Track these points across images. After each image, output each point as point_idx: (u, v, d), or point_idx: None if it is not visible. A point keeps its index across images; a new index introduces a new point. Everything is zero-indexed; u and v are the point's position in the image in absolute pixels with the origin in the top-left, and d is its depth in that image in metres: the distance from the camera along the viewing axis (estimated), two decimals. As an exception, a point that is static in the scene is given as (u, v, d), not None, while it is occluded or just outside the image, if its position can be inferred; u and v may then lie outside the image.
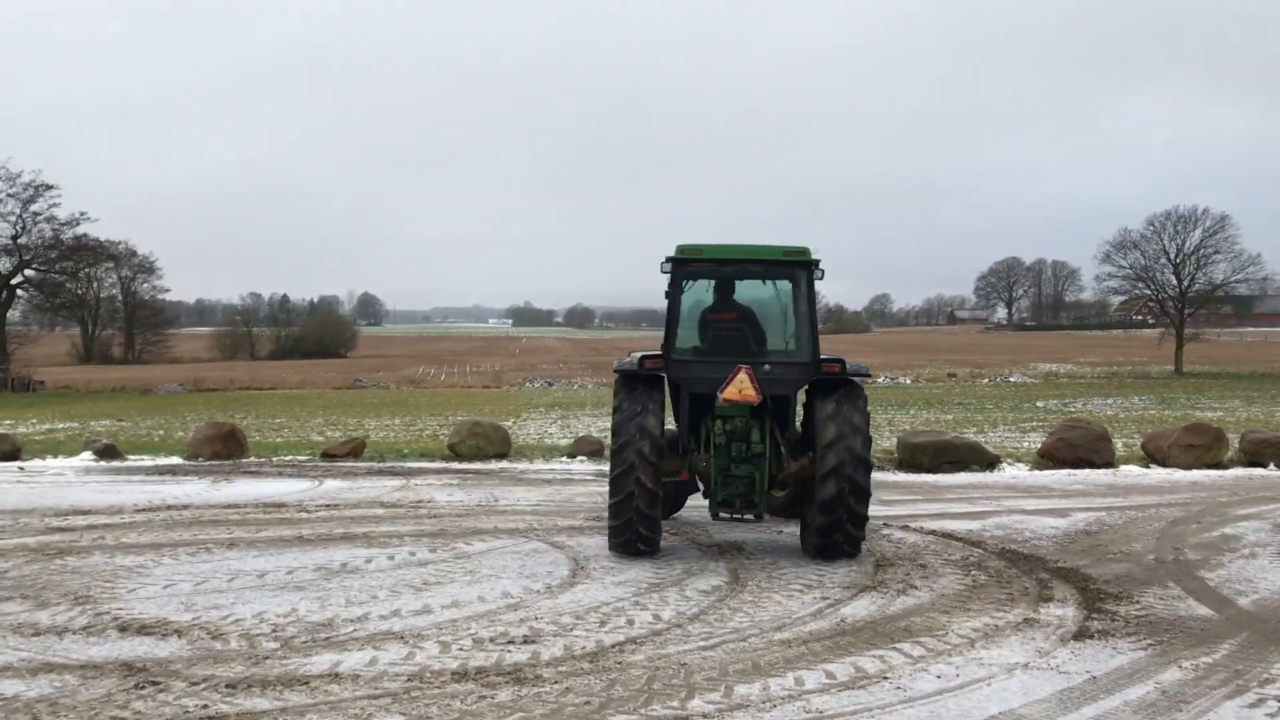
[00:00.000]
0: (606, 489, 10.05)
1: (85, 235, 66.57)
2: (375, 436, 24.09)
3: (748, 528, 11.40)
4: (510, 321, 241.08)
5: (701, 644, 7.13)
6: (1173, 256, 68.40)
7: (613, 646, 7.05)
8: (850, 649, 7.03)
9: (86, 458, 19.15)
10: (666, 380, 10.16)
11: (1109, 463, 17.61)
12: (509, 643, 7.13)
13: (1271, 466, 17.30)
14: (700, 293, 10.67)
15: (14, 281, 63.43)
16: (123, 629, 7.45)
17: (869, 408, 9.80)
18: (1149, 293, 72.18)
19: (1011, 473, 17.04)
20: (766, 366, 9.84)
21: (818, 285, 10.08)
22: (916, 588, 8.79)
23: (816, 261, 9.95)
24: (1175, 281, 68.72)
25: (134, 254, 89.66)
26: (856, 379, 9.86)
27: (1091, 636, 7.37)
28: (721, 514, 10.13)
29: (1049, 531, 11.50)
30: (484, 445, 19.16)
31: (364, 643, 7.13)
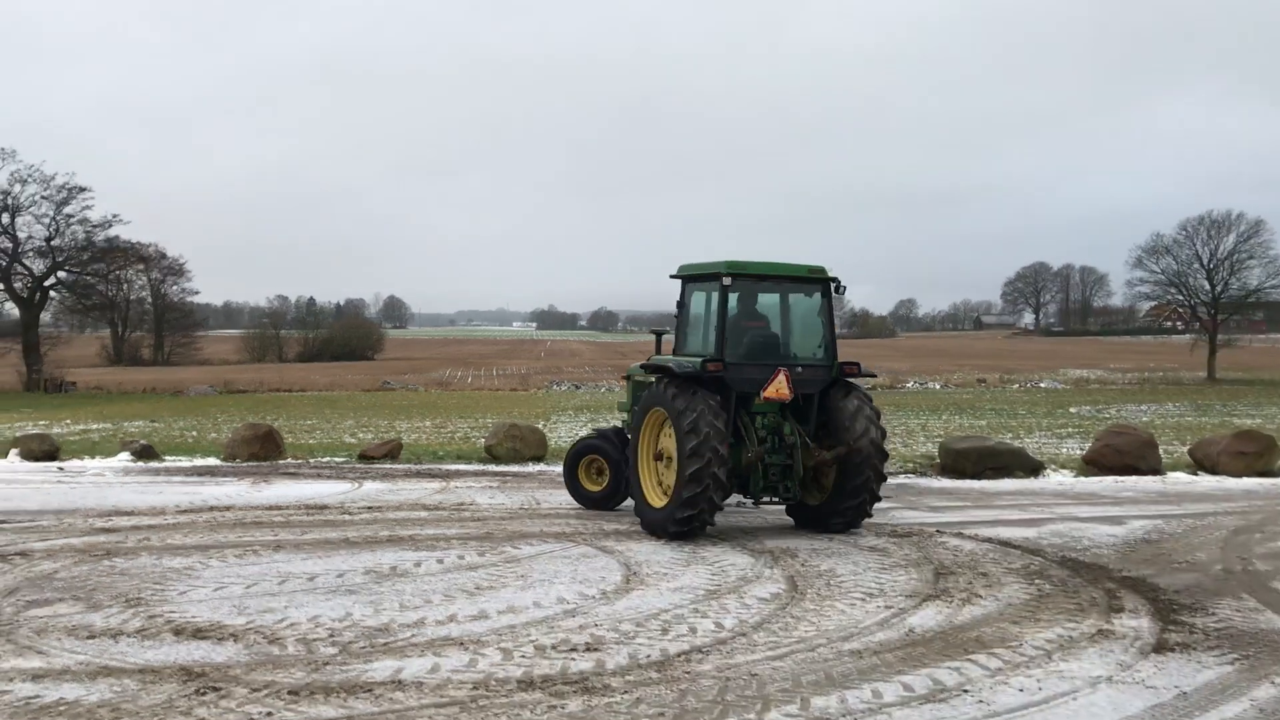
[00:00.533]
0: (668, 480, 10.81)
1: (117, 237, 66.78)
2: (408, 439, 23.97)
3: (798, 534, 11.40)
4: (535, 325, 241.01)
5: (769, 654, 6.94)
6: (1206, 261, 67.53)
7: (678, 655, 6.88)
8: (924, 660, 6.82)
9: (124, 458, 19.17)
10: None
11: (1156, 469, 17.30)
12: (571, 650, 6.97)
13: (1326, 475, 16.90)
14: (733, 302, 11.39)
15: (47, 283, 63.85)
16: (177, 632, 7.34)
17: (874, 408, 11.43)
18: (1181, 298, 71.27)
19: (1057, 479, 16.75)
20: (799, 369, 11.15)
21: (842, 296, 11.88)
22: (981, 597, 8.56)
23: (836, 279, 11.56)
24: (1208, 287, 67.79)
25: (164, 256, 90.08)
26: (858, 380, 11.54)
27: (1172, 649, 7.13)
28: (763, 500, 11.34)
29: (1108, 540, 11.24)
30: (520, 448, 19.03)
31: (423, 649, 6.98)
